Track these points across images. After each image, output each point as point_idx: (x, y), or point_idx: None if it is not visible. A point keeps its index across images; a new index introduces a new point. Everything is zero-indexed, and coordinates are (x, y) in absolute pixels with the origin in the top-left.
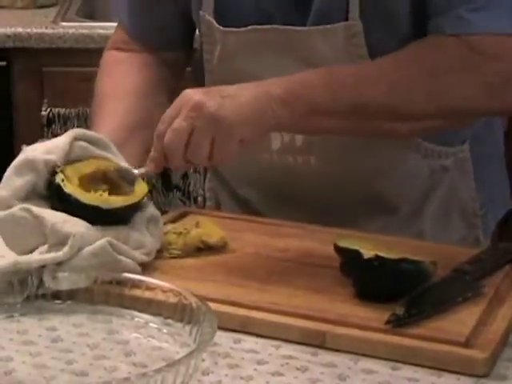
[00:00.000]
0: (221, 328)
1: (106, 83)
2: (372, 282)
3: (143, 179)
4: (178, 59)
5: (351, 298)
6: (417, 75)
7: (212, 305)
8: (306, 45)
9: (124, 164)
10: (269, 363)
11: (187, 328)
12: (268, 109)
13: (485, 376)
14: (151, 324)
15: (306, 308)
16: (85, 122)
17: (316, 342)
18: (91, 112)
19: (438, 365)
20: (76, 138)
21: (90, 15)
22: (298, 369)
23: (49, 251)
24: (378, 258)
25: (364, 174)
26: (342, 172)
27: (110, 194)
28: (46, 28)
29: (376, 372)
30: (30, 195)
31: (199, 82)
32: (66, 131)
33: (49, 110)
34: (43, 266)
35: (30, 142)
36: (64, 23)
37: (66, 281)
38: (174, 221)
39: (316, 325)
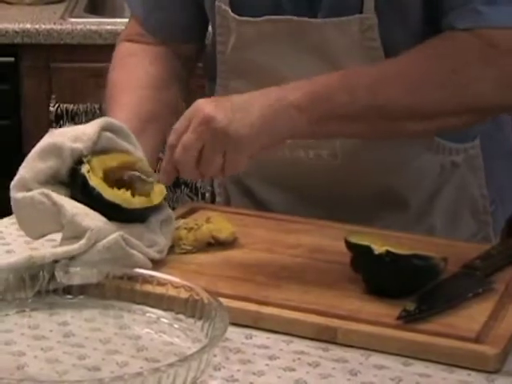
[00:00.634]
0: (232, 323)
1: (120, 74)
2: (383, 277)
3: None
4: (190, 52)
5: (362, 293)
6: (438, 72)
7: (223, 300)
8: (319, 37)
9: (145, 164)
10: (280, 358)
11: (199, 323)
12: (283, 117)
13: (496, 372)
14: (162, 319)
15: (318, 303)
16: (93, 117)
17: (327, 337)
18: (104, 101)
19: (449, 360)
20: (103, 128)
21: (98, 11)
22: (309, 364)
23: (61, 244)
24: (388, 253)
25: (375, 170)
26: (354, 167)
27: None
28: (54, 24)
29: (387, 367)
30: (50, 179)
31: (210, 74)
32: None
33: (57, 105)
34: (56, 261)
35: (38, 138)
36: (72, 19)
37: (77, 276)
38: (183, 216)
39: (327, 320)
